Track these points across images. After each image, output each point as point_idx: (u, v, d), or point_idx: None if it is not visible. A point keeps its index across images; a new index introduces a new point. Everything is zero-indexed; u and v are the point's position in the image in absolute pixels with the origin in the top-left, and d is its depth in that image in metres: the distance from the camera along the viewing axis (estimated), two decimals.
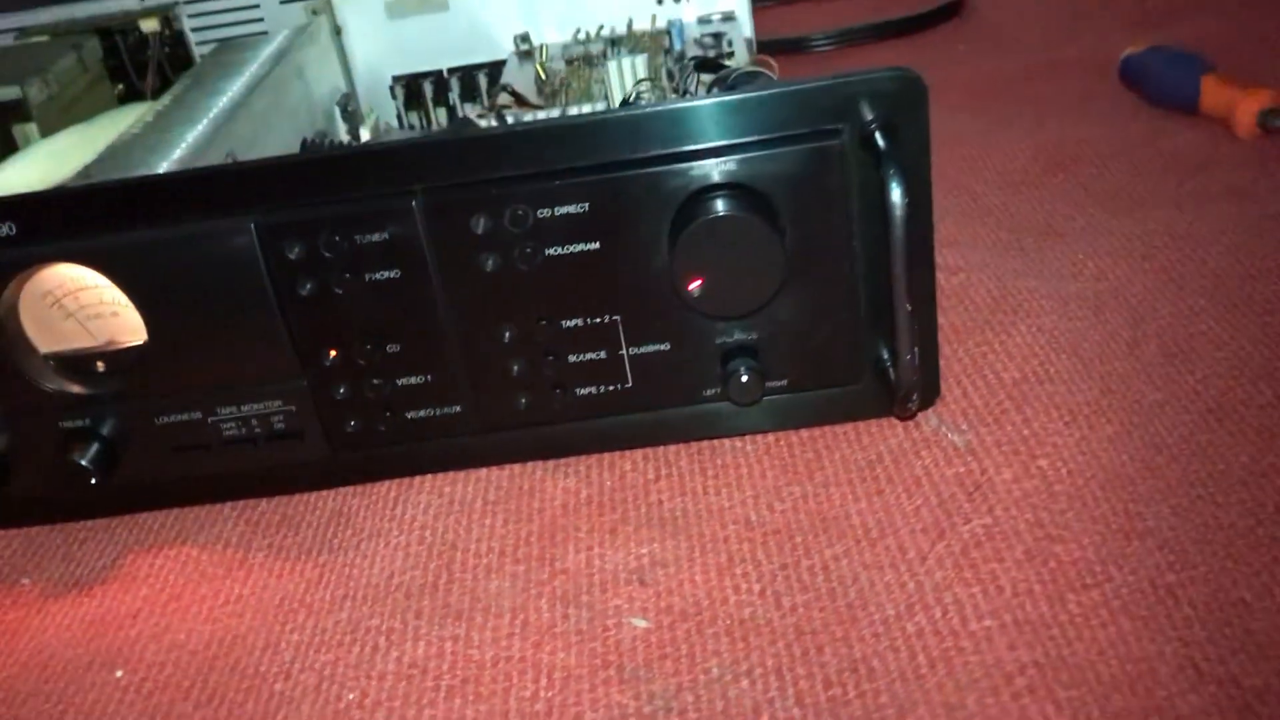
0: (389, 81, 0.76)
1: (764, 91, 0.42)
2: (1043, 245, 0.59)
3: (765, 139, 0.42)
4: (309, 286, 0.44)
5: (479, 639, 0.41)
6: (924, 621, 0.38)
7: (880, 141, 0.41)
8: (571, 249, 0.43)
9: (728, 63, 0.63)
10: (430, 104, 0.77)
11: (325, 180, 0.43)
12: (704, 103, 0.41)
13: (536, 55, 0.71)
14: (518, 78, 0.68)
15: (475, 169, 0.42)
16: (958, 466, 0.44)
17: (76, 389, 0.46)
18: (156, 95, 0.73)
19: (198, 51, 0.76)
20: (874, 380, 0.46)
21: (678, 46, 0.67)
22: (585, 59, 0.69)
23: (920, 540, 0.41)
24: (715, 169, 0.42)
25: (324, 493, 0.50)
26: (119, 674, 0.42)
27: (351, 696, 0.39)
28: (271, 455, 0.48)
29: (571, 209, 0.43)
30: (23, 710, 0.41)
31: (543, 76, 0.67)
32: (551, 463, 0.49)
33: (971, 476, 0.44)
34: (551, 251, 0.43)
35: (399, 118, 0.77)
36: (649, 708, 0.37)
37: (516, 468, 0.49)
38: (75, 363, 0.47)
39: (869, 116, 0.41)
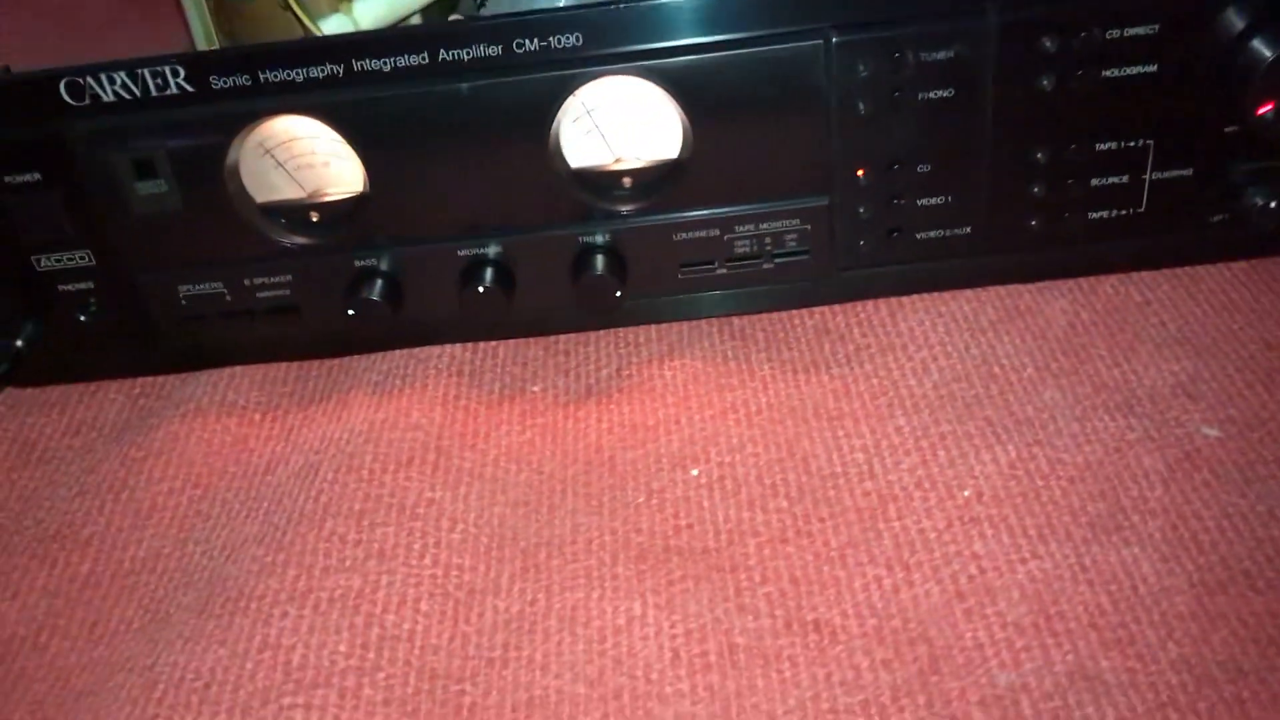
0: None
1: None
2: None
3: None
4: (863, 106, 0.45)
5: (1062, 444, 0.43)
6: None
7: None
8: (1128, 71, 0.44)
9: None
10: None
11: None
12: None
13: None
14: None
15: None
16: None
17: (598, 203, 0.47)
18: None
19: None
20: None
21: None
22: None
23: None
24: None
25: (801, 311, 0.51)
26: (695, 472, 0.44)
27: (967, 493, 0.41)
28: (773, 273, 0.49)
29: (1141, 30, 0.43)
30: (617, 500, 0.43)
31: None
32: (1033, 285, 0.51)
33: None
34: (1108, 73, 0.44)
35: None
36: (1261, 506, 0.40)
37: (1001, 289, 0.51)
38: (598, 178, 0.47)
39: None
